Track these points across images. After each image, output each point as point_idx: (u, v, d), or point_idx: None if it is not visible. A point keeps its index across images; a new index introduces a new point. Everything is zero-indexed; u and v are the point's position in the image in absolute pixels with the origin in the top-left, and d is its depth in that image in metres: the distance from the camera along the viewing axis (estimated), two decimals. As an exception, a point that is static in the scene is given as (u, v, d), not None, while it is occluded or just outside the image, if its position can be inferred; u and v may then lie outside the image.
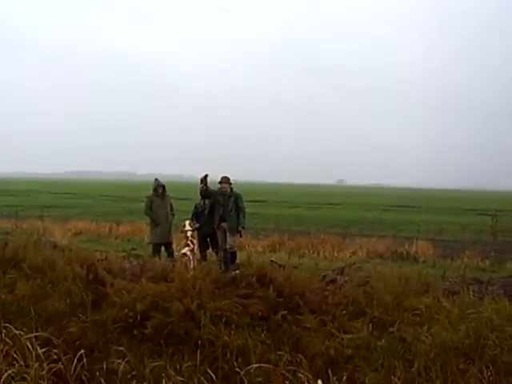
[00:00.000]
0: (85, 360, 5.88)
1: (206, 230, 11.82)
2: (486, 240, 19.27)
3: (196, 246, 11.52)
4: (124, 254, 12.39)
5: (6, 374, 5.65)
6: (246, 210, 11.74)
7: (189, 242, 11.20)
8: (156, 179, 12.81)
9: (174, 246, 12.85)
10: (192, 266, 10.36)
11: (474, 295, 7.82)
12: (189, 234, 11.39)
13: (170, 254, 12.49)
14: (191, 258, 10.86)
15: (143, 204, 12.95)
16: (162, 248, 12.50)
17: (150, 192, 12.69)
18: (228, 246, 11.18)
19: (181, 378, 5.73)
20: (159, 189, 12.51)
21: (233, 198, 11.32)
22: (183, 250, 11.04)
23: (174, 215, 12.78)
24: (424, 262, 14.86)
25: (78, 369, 5.80)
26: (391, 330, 6.69)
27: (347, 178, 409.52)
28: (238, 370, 5.84)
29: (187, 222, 11.69)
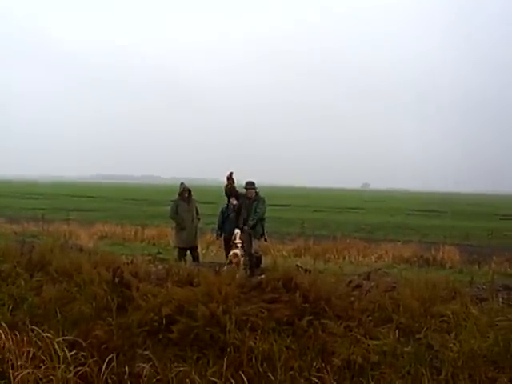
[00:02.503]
0: (112, 363, 5.92)
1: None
2: (514, 245, 19.03)
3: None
4: (150, 257, 12.42)
5: (33, 376, 5.70)
6: (267, 214, 11.74)
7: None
8: (182, 183, 12.81)
9: (199, 250, 12.87)
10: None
11: (502, 302, 7.71)
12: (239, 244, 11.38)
13: (196, 258, 12.49)
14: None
15: (168, 208, 12.98)
16: (188, 252, 12.51)
17: (176, 196, 12.72)
18: (253, 251, 11.17)
19: (206, 383, 5.74)
20: (185, 193, 12.52)
21: (256, 203, 11.32)
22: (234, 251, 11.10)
23: (199, 219, 12.79)
24: (451, 267, 14.67)
25: (105, 372, 5.84)
26: (418, 336, 6.62)
27: (372, 182, 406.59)
28: (263, 375, 5.83)
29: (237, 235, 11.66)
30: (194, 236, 12.58)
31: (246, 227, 11.27)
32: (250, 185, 11.45)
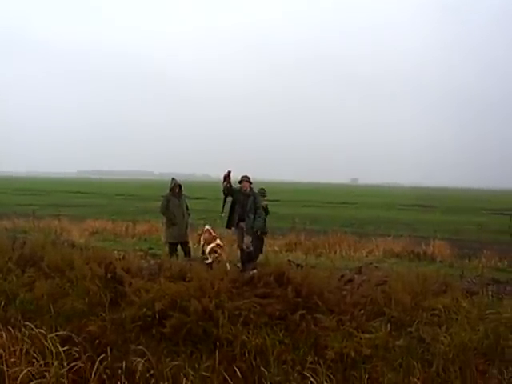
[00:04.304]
0: (106, 359, 5.93)
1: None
2: (503, 240, 19.14)
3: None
4: (141, 253, 12.42)
5: (25, 371, 5.69)
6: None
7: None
8: (173, 179, 12.79)
9: (190, 245, 12.88)
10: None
11: (492, 296, 7.79)
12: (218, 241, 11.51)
13: (187, 253, 12.49)
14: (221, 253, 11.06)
15: (159, 203, 12.97)
16: (179, 247, 12.52)
17: (166, 191, 12.71)
18: (244, 246, 11.18)
19: (199, 377, 5.75)
20: (176, 188, 12.51)
21: (252, 198, 11.32)
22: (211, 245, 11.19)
23: (189, 214, 12.81)
24: (441, 261, 14.73)
25: (99, 367, 5.84)
26: (410, 329, 6.68)
27: (361, 177, 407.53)
28: (256, 369, 5.86)
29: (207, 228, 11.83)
30: (185, 231, 12.59)
31: (242, 223, 11.29)
32: (246, 178, 11.47)
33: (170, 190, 12.51)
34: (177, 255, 11.72)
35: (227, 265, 10.68)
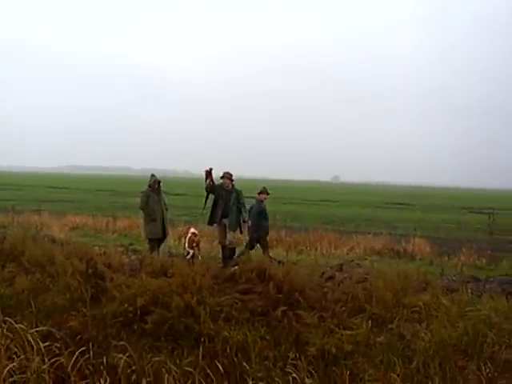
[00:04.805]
0: (88, 354, 5.91)
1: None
2: (482, 238, 19.35)
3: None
4: (122, 248, 12.40)
5: (7, 368, 5.65)
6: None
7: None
8: (152, 175, 12.83)
9: (168, 240, 12.95)
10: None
11: (472, 293, 7.88)
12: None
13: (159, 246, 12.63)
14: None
15: (139, 199, 12.99)
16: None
17: (145, 187, 12.72)
18: (227, 242, 11.23)
19: (181, 373, 5.76)
20: (155, 184, 12.56)
21: (234, 194, 11.37)
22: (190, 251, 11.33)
23: (167, 209, 12.88)
24: (421, 259, 14.92)
25: (80, 362, 5.83)
26: (390, 326, 6.73)
27: (342, 175, 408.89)
28: (238, 365, 5.88)
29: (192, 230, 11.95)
30: (165, 227, 12.64)
31: (224, 219, 11.33)
32: (228, 175, 11.51)
33: (149, 186, 12.54)
34: (158, 251, 11.77)
35: (199, 257, 10.81)
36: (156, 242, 12.48)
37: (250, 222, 12.19)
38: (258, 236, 12.49)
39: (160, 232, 12.46)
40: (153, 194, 12.50)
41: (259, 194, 12.86)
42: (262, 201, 12.72)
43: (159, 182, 12.63)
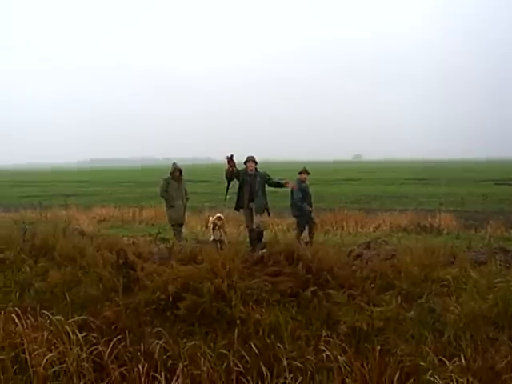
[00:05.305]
0: (125, 342, 6.04)
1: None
2: (509, 209, 19.21)
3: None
4: (150, 238, 12.57)
5: (45, 358, 5.80)
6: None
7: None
8: (174, 163, 13.12)
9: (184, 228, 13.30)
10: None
11: (500, 265, 7.88)
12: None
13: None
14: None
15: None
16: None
17: (167, 175, 12.96)
18: (255, 226, 11.29)
19: (216, 356, 5.86)
20: (176, 172, 12.85)
21: (258, 178, 11.40)
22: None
23: (188, 198, 13.31)
24: (448, 233, 14.86)
25: (120, 350, 5.96)
26: (420, 301, 6.76)
27: (364, 153, 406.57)
28: (271, 346, 5.96)
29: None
30: (183, 214, 13.04)
31: (251, 203, 11.40)
32: (252, 158, 11.54)
33: (171, 174, 12.80)
34: (180, 236, 12.10)
35: (225, 242, 10.95)
36: (177, 227, 12.83)
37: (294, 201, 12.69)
38: (307, 218, 12.74)
39: (180, 218, 12.89)
40: (173, 181, 12.78)
41: (300, 173, 13.07)
42: (303, 181, 12.86)
43: (180, 170, 12.88)
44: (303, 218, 12.72)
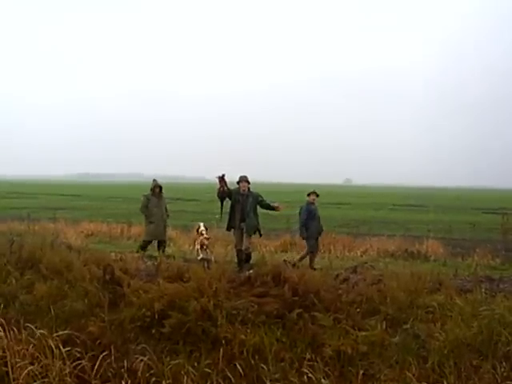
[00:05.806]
0: (109, 358, 6.02)
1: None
2: (496, 238, 19.28)
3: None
4: (138, 254, 12.55)
5: (25, 371, 5.76)
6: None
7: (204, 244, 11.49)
8: (154, 180, 13.60)
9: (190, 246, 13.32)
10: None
11: (485, 293, 7.91)
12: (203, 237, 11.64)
13: (163, 250, 12.97)
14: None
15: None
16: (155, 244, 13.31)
17: (148, 191, 13.15)
18: (243, 247, 11.26)
19: (200, 375, 5.85)
20: (156, 188, 13.20)
21: (251, 199, 11.37)
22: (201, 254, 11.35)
23: (168, 215, 13.67)
24: (435, 260, 14.88)
25: (104, 366, 5.93)
26: (405, 327, 6.78)
27: (354, 178, 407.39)
28: (255, 367, 5.95)
29: (201, 224, 11.99)
30: (163, 230, 13.36)
31: (242, 224, 11.34)
32: (244, 178, 11.51)
33: (151, 190, 13.05)
34: (144, 253, 12.56)
35: (213, 260, 10.90)
36: (149, 243, 13.31)
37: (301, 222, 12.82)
38: (313, 238, 12.96)
39: (157, 234, 13.18)
40: (153, 197, 13.06)
41: (308, 195, 13.26)
42: (312, 203, 12.95)
43: (160, 187, 13.30)
44: (310, 239, 12.75)
